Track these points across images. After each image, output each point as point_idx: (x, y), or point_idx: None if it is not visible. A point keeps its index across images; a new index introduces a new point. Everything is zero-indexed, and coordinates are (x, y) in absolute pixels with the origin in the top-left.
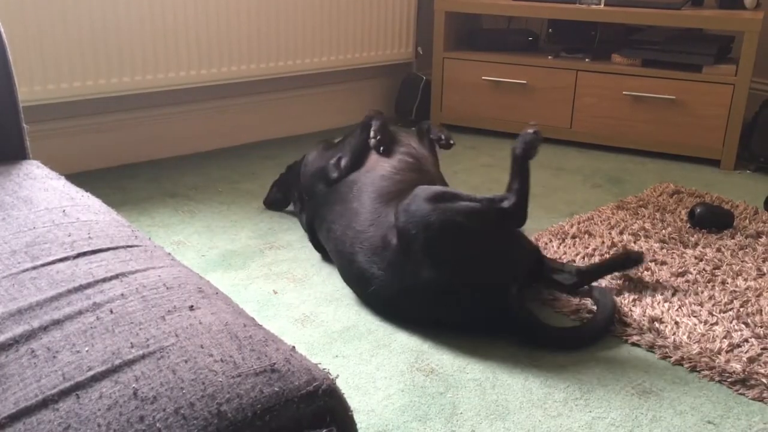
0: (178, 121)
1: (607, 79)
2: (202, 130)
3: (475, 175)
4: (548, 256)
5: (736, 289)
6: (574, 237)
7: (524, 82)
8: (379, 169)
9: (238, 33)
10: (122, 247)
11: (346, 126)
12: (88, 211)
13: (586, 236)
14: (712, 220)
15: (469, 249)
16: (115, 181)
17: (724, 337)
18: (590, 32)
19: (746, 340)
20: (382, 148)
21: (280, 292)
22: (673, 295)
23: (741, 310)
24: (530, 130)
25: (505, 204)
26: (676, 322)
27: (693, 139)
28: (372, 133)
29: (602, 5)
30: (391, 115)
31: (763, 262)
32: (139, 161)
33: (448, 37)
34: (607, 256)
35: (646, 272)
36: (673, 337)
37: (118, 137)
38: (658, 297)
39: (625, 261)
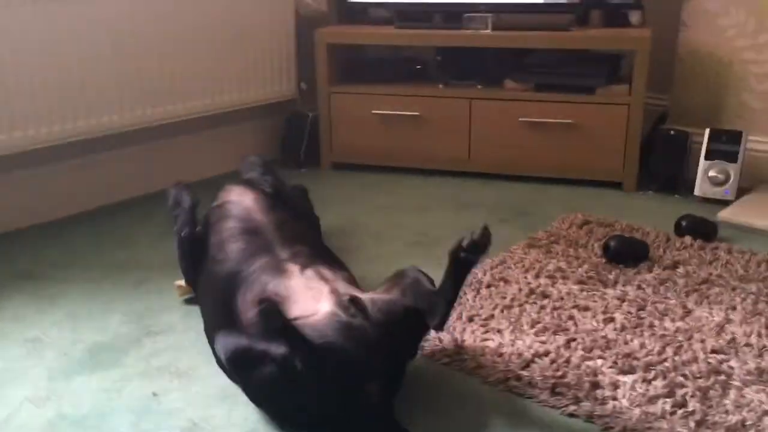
0: (31, 185)
1: (502, 106)
2: (62, 193)
3: (375, 217)
4: (460, 310)
5: (666, 333)
6: (488, 286)
7: (417, 113)
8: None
9: (96, 81)
10: None
11: (230, 172)
12: None
13: (502, 284)
14: (627, 252)
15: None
16: None
17: (667, 396)
18: (480, 58)
19: (691, 396)
20: (184, 234)
21: (162, 393)
22: (606, 349)
23: (676, 358)
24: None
25: (434, 324)
26: (614, 383)
27: (593, 163)
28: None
29: (489, 30)
30: (278, 156)
31: (686, 296)
32: None
33: (333, 70)
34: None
35: (570, 321)
36: (612, 403)
37: None
38: (593, 352)
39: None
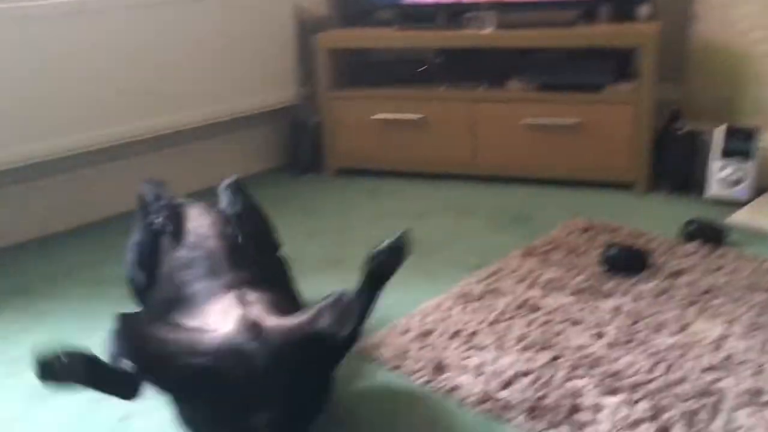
0: (29, 199)
1: (506, 108)
2: (58, 206)
3: (375, 227)
4: (445, 326)
5: (659, 349)
6: (478, 299)
7: (419, 116)
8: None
9: (93, 94)
10: None
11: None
12: None
13: (492, 296)
14: (626, 261)
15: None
16: None
17: (651, 419)
18: (484, 58)
19: (677, 420)
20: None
21: (131, 416)
22: (592, 367)
23: (666, 378)
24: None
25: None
26: (596, 406)
27: (602, 164)
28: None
29: (490, 29)
30: (281, 163)
31: (686, 308)
32: None
33: (333, 75)
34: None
35: (558, 337)
36: (592, 428)
37: None
38: (578, 371)
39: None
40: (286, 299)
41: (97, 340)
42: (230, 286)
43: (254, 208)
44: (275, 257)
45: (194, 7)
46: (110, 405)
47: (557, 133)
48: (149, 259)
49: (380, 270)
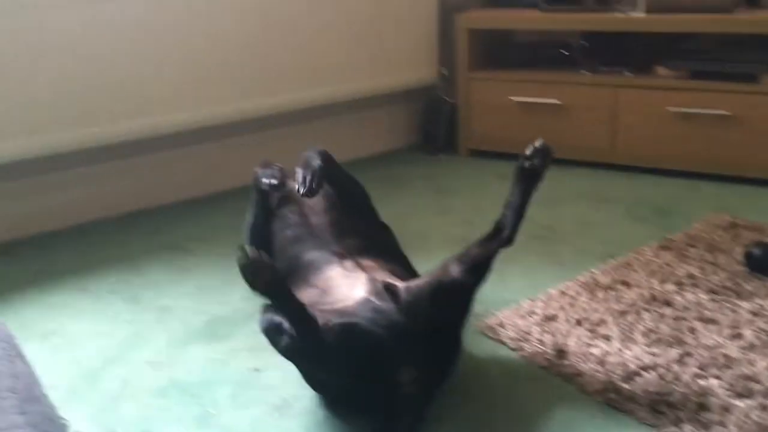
0: (180, 164)
1: (652, 95)
2: (210, 172)
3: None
4: (570, 312)
5: None
6: (607, 288)
7: (558, 102)
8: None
9: (242, 65)
10: None
11: (368, 156)
12: None
13: (622, 287)
14: None
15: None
16: (115, 233)
17: None
18: (630, 42)
19: None
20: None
21: (263, 369)
22: (724, 368)
23: None
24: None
25: (503, 235)
26: (726, 407)
27: (753, 159)
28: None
29: (642, 13)
30: (418, 142)
31: None
32: (142, 209)
33: (474, 55)
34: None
35: (689, 334)
36: (718, 428)
37: (118, 185)
38: (709, 371)
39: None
40: (398, 265)
41: (236, 296)
42: (342, 256)
43: (346, 176)
44: (379, 225)
45: None
46: (244, 356)
47: (705, 123)
48: (261, 239)
49: (532, 170)
